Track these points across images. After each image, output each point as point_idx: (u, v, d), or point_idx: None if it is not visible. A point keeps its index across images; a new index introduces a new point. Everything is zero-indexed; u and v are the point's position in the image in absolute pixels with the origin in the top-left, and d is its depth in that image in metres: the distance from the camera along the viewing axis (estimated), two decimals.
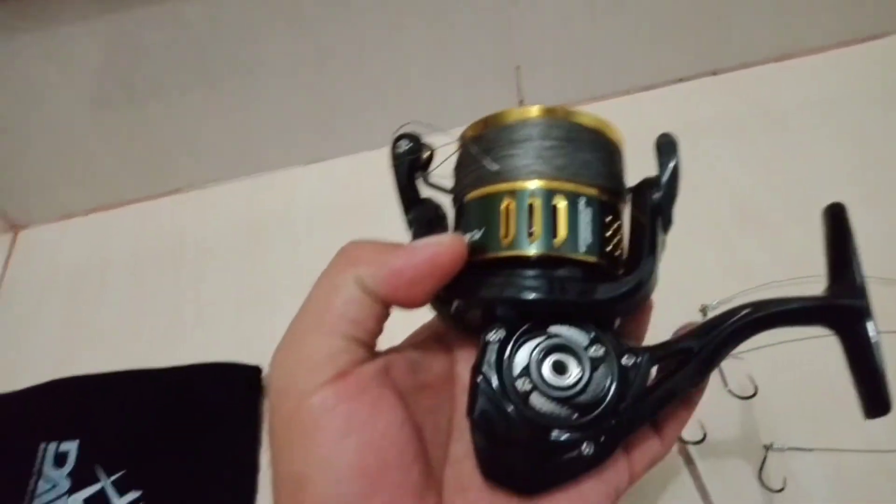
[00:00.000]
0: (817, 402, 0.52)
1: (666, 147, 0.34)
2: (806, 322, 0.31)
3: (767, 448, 0.49)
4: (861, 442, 0.49)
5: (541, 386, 0.30)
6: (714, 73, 0.79)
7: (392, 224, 0.69)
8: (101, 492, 0.53)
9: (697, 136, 0.72)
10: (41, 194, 0.76)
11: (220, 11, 0.65)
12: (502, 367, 0.30)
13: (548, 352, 0.30)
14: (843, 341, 0.30)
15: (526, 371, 0.30)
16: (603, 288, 0.31)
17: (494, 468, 0.31)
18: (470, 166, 0.33)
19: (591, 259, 0.31)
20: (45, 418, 0.57)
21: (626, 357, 0.31)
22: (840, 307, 0.30)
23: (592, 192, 0.31)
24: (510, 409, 0.30)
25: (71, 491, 0.53)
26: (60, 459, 0.54)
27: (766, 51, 0.78)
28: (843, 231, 0.32)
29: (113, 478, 0.53)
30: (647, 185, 0.33)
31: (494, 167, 0.31)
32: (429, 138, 0.35)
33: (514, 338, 0.31)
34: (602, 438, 0.30)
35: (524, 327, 0.31)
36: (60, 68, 0.66)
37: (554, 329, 0.31)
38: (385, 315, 0.30)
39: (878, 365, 0.29)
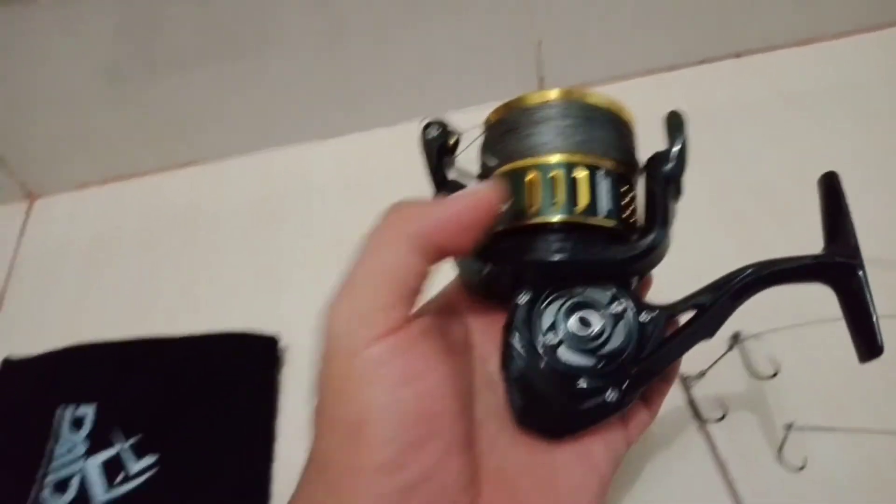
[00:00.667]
0: (839, 384, 0.51)
1: (675, 123, 0.36)
2: (806, 279, 0.34)
3: (788, 427, 0.49)
4: (882, 423, 0.49)
5: (567, 339, 0.33)
6: (737, 55, 0.78)
7: (401, 198, 0.68)
8: (118, 455, 0.53)
9: (718, 117, 0.72)
10: (57, 164, 0.76)
11: None
12: (531, 324, 0.33)
13: (572, 309, 0.33)
14: (839, 294, 0.33)
15: (553, 326, 0.33)
16: (621, 249, 0.34)
17: (526, 417, 0.33)
18: (494, 146, 0.36)
19: (610, 224, 0.34)
20: (63, 382, 0.57)
21: (644, 313, 0.34)
22: (837, 264, 0.33)
23: (609, 164, 0.34)
24: (540, 362, 0.33)
25: (88, 454, 0.53)
26: (77, 423, 0.55)
27: (789, 34, 0.78)
28: (837, 197, 0.36)
29: (129, 442, 0.53)
30: (659, 158, 0.36)
31: (493, 161, 0.35)
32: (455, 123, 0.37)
33: (542, 298, 0.34)
34: (624, 385, 0.33)
35: (549, 289, 0.34)
36: (77, 39, 0.66)
37: (577, 289, 0.34)
38: (428, 275, 0.31)
39: (870, 313, 0.32)
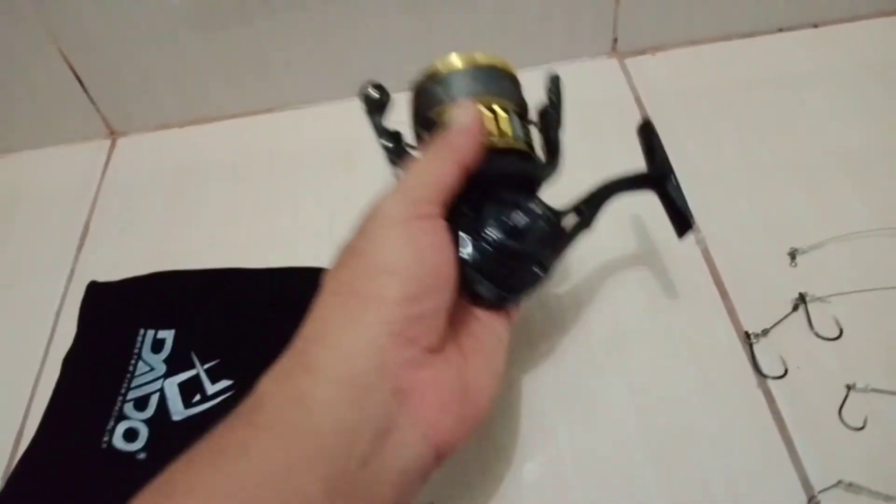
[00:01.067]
0: None
1: (554, 84, 0.50)
2: (641, 187, 0.49)
3: (850, 388, 0.49)
4: None
5: (505, 229, 0.42)
6: (815, 25, 0.77)
7: None
8: (196, 377, 0.55)
9: (795, 86, 0.72)
10: (142, 104, 0.79)
11: None
12: (478, 221, 0.42)
13: (507, 207, 0.42)
14: (660, 195, 0.49)
15: (494, 222, 0.42)
16: (534, 165, 0.46)
17: (477, 292, 0.42)
18: (429, 100, 0.45)
19: (523, 148, 0.45)
20: (145, 307, 0.60)
21: (549, 210, 0.44)
22: (654, 176, 0.49)
23: (514, 106, 0.45)
24: (488, 248, 0.41)
25: (167, 375, 0.56)
26: (158, 345, 0.57)
27: (869, 6, 0.77)
28: (653, 137, 0.50)
29: (207, 366, 0.56)
30: (547, 109, 0.49)
31: (435, 109, 0.45)
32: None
33: (482, 201, 0.42)
34: (546, 263, 0.44)
35: (485, 194, 0.42)
36: None
37: (505, 194, 0.43)
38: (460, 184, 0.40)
39: (681, 202, 0.47)
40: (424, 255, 0.37)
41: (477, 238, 0.41)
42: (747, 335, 0.53)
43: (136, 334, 0.58)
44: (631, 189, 0.48)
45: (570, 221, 0.46)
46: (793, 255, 0.57)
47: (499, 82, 0.45)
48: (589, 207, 0.46)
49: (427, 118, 0.45)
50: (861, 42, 0.75)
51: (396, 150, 0.47)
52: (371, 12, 0.72)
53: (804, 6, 0.76)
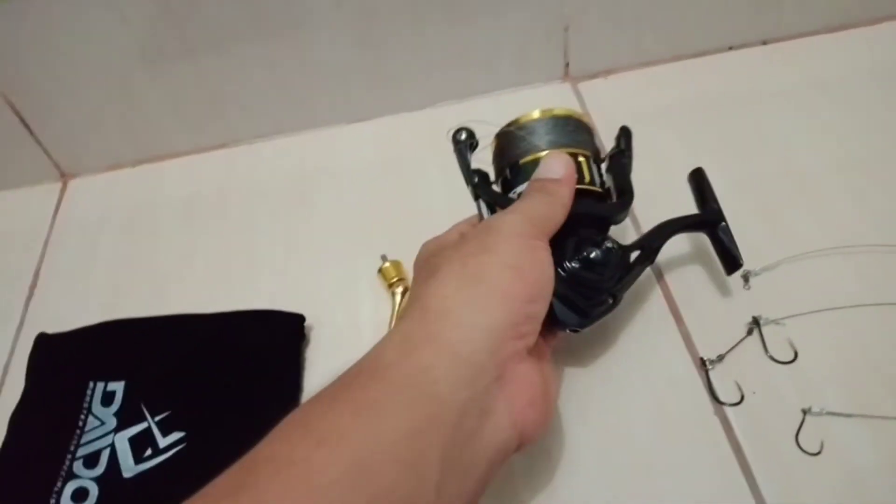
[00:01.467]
0: (856, 369, 0.51)
1: (626, 134, 0.56)
2: (695, 229, 0.56)
3: (805, 412, 0.49)
4: None
5: (583, 263, 0.47)
6: (764, 42, 0.78)
7: (428, 182, 0.70)
8: (147, 430, 0.54)
9: (746, 104, 0.72)
10: (92, 144, 0.78)
11: None
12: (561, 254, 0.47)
13: (585, 244, 0.48)
14: (711, 237, 0.55)
15: (575, 254, 0.48)
16: (608, 206, 0.52)
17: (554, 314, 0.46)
18: (517, 147, 0.51)
19: (600, 191, 0.51)
20: (95, 358, 0.59)
21: (619, 247, 0.49)
22: (708, 220, 0.55)
23: (589, 153, 0.52)
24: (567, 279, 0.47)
25: (118, 429, 0.54)
26: (108, 398, 0.56)
27: (819, 22, 0.77)
28: (704, 183, 0.57)
29: (158, 418, 0.55)
30: (619, 153, 0.55)
31: (518, 157, 0.51)
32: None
33: (564, 237, 0.47)
34: (617, 294, 0.49)
35: (568, 232, 0.47)
36: (115, 16, 0.67)
37: (583, 231, 0.49)
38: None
39: (730, 246, 0.54)
40: (542, 265, 0.43)
41: (560, 269, 0.47)
42: (703, 361, 0.53)
43: (86, 387, 0.57)
44: (686, 230, 0.55)
45: (635, 256, 0.51)
46: (746, 277, 0.57)
47: (577, 132, 0.52)
48: (650, 244, 0.52)
49: (515, 163, 0.51)
50: (810, 58, 0.76)
51: (483, 188, 0.52)
52: (320, 45, 0.72)
53: (753, 24, 0.77)
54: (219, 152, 0.78)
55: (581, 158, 0.50)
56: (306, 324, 0.59)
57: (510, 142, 0.52)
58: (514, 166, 0.51)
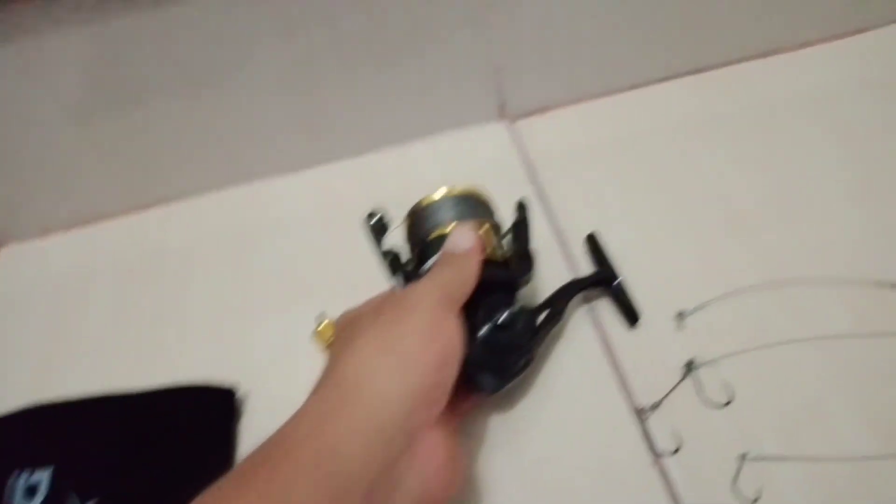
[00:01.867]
0: (792, 408, 0.51)
1: (521, 208, 0.60)
2: (594, 286, 0.59)
3: (742, 457, 0.48)
4: (836, 450, 0.48)
5: (494, 325, 0.51)
6: (697, 71, 0.78)
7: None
8: None
9: (680, 135, 0.72)
10: (22, 209, 0.76)
11: (203, 17, 0.65)
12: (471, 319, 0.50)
13: (494, 308, 0.51)
14: (610, 294, 0.59)
15: (485, 319, 0.51)
16: (513, 271, 0.55)
17: (476, 379, 0.50)
18: (424, 225, 0.55)
19: (503, 258, 0.55)
20: (17, 448, 0.57)
21: (527, 309, 0.53)
22: (603, 278, 0.60)
23: (489, 225, 0.55)
24: (479, 343, 0.50)
25: None
26: (31, 491, 0.54)
27: (749, 48, 0.78)
28: (597, 246, 0.62)
29: None
30: (520, 222, 0.59)
31: (426, 234, 0.55)
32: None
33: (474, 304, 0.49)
34: (529, 355, 0.52)
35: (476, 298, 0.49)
36: (39, 81, 0.66)
37: (492, 296, 0.52)
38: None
39: (630, 302, 0.58)
40: (450, 332, 0.44)
41: (474, 335, 0.50)
42: (639, 411, 0.52)
43: (6, 481, 0.54)
44: (589, 287, 0.59)
45: (543, 316, 0.54)
46: (680, 316, 0.56)
47: (477, 207, 0.56)
48: (556, 304, 0.56)
49: (425, 239, 0.55)
50: (742, 85, 0.76)
51: (396, 266, 0.55)
52: (249, 96, 0.71)
53: (684, 54, 0.77)
54: (152, 211, 0.77)
55: (482, 231, 0.54)
56: (240, 393, 0.58)
57: (418, 221, 0.56)
58: (423, 242, 0.55)
